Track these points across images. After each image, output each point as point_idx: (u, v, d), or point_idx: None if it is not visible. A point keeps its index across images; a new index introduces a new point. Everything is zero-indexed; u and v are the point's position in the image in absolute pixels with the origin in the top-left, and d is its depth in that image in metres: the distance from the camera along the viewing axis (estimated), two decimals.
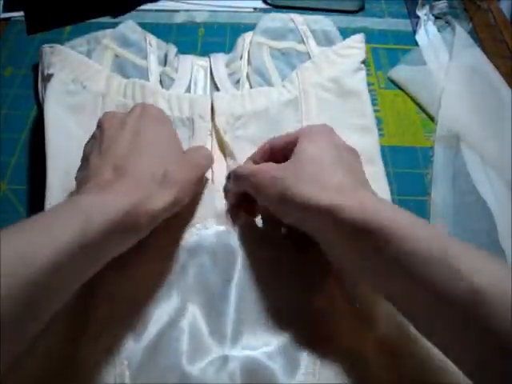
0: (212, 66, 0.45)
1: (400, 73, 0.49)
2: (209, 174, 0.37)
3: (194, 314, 0.30)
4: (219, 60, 0.46)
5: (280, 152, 0.32)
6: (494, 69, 0.48)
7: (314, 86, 0.42)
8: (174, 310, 0.30)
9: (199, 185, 0.34)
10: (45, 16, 0.53)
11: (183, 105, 0.39)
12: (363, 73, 0.44)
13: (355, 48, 0.45)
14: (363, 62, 0.45)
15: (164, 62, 0.45)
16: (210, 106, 0.39)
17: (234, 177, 0.34)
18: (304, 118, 0.40)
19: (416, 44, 0.52)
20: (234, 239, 0.33)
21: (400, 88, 0.48)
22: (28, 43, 0.51)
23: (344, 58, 0.44)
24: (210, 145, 0.38)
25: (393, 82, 0.49)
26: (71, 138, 0.37)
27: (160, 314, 0.30)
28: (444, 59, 0.49)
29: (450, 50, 0.50)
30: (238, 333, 0.29)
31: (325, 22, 0.48)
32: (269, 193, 0.29)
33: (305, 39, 0.47)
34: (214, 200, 0.35)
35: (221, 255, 0.32)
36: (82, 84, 0.41)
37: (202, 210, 0.35)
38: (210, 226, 0.34)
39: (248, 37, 0.47)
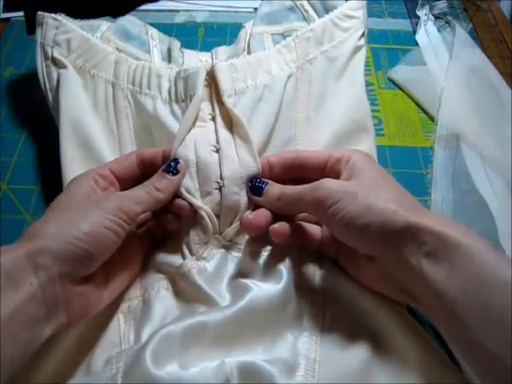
0: (214, 61, 0.44)
1: (400, 73, 0.49)
2: (216, 168, 0.33)
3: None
4: (221, 54, 0.45)
5: (311, 169, 0.32)
6: (494, 69, 0.48)
7: (312, 62, 0.40)
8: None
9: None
10: None
11: (179, 86, 0.37)
12: (363, 52, 0.42)
13: (354, 18, 0.42)
14: (363, 35, 0.42)
15: (168, 56, 0.44)
16: (201, 82, 0.36)
17: (276, 198, 0.31)
18: (301, 96, 0.39)
19: (416, 44, 0.52)
20: (232, 262, 0.33)
21: (400, 88, 0.48)
22: (28, 43, 0.50)
23: (343, 31, 0.41)
24: (214, 128, 0.35)
25: (393, 82, 0.49)
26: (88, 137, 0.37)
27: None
28: (444, 59, 0.49)
29: (450, 50, 0.50)
30: (235, 345, 0.29)
31: None
32: (347, 207, 0.27)
33: (305, 14, 0.44)
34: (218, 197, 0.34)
35: (225, 284, 0.32)
36: (90, 73, 0.39)
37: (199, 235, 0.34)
38: (214, 251, 0.33)
39: (250, 26, 0.45)
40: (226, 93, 0.36)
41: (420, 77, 0.48)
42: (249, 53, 0.43)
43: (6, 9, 0.54)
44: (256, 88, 0.37)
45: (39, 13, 0.41)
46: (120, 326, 0.30)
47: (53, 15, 0.41)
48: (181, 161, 0.32)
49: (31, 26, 0.52)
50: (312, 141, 0.37)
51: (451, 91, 0.46)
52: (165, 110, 0.37)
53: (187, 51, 0.45)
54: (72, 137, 0.37)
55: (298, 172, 0.33)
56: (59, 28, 0.40)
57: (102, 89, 0.39)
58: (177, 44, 0.45)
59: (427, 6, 0.54)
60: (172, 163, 0.32)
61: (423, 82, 0.48)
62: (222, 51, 0.45)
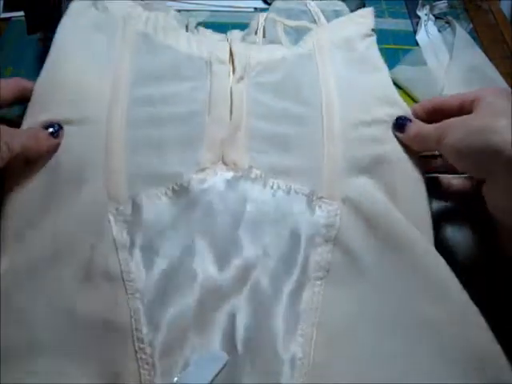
0: (229, 39, 0.46)
1: (400, 73, 0.49)
2: (227, 112, 0.37)
3: (203, 255, 0.30)
4: (235, 35, 0.47)
5: (450, 111, 0.33)
6: (494, 69, 0.48)
7: (328, 41, 0.43)
8: (182, 246, 0.31)
9: None
10: (45, 16, 0.52)
11: (202, 47, 0.40)
12: (373, 38, 0.45)
13: (364, 17, 0.46)
14: (373, 30, 0.45)
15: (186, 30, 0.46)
16: (228, 50, 0.41)
17: (413, 135, 0.34)
18: (320, 70, 0.41)
19: (416, 44, 0.52)
20: (243, 185, 0.33)
21: (400, 88, 0.48)
22: (28, 43, 0.50)
23: (354, 24, 0.45)
24: (229, 89, 0.38)
25: (393, 81, 0.48)
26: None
27: (169, 247, 0.30)
28: (444, 59, 0.49)
29: (450, 50, 0.50)
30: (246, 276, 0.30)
31: (337, 4, 0.49)
32: (452, 130, 0.30)
33: (316, 18, 0.47)
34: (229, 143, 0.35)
35: (230, 199, 0.33)
36: (104, 5, 0.41)
37: (209, 155, 0.34)
38: (220, 172, 0.34)
39: (262, 16, 0.48)
40: (239, 65, 0.39)
41: (420, 77, 0.48)
42: (264, 36, 0.46)
43: (6, 9, 0.54)
44: (271, 61, 0.41)
45: None
46: (112, 228, 0.31)
47: None
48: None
49: (31, 25, 0.52)
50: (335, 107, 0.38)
51: (451, 91, 0.46)
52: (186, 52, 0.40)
53: (202, 29, 0.47)
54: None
55: (440, 117, 0.34)
56: None
57: (111, 20, 0.40)
58: (193, 21, 0.47)
59: (427, 6, 0.54)
60: (56, 127, 0.33)
61: (423, 82, 0.48)
62: (236, 34, 0.47)
